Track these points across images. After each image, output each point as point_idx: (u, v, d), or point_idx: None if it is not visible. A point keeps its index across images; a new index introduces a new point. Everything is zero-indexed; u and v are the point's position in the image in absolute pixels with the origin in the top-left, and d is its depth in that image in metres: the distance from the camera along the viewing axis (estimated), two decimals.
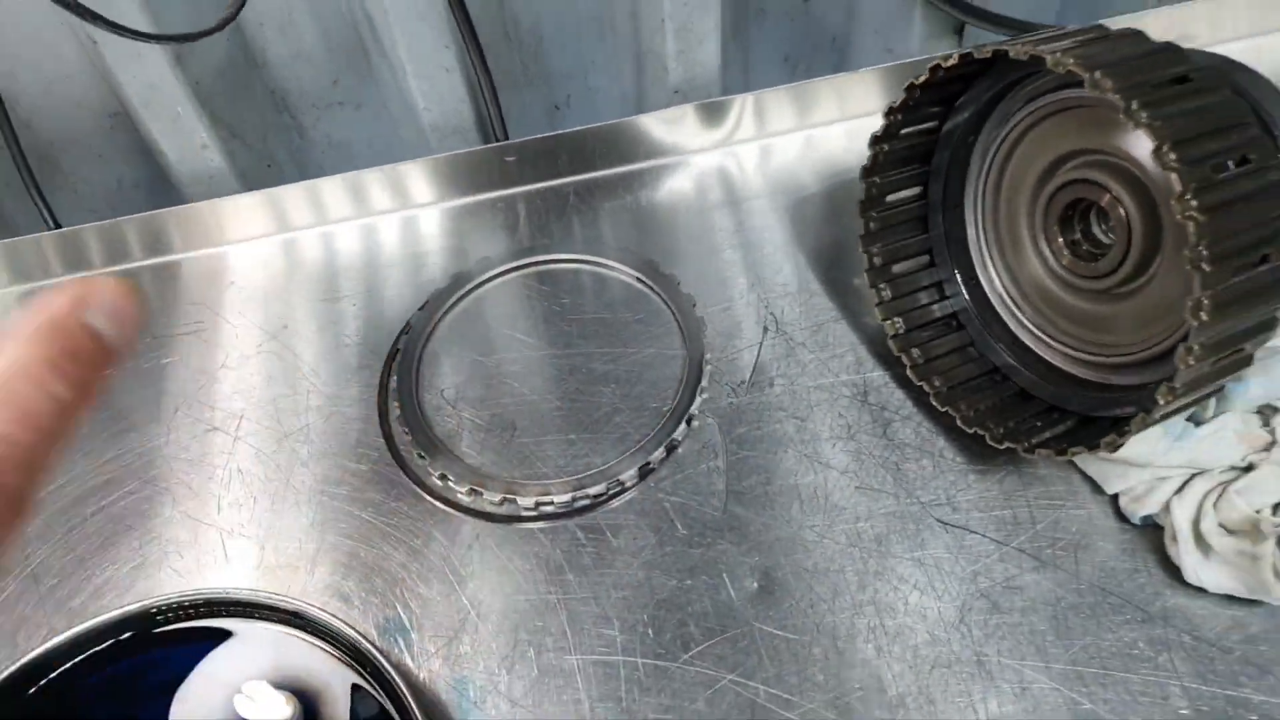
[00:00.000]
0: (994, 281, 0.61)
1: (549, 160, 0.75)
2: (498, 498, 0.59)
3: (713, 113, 0.75)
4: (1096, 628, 0.51)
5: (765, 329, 0.66)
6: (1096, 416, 0.54)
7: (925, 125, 0.59)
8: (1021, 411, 0.58)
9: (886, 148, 0.58)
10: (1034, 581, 0.53)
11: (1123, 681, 0.49)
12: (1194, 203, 0.41)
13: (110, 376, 0.28)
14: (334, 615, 0.50)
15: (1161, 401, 0.45)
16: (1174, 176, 0.41)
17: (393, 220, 0.78)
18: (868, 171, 0.59)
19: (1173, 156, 0.42)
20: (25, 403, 0.25)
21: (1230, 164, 0.43)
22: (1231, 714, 0.48)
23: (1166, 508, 0.53)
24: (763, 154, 0.79)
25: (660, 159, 0.78)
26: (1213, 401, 0.54)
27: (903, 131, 0.58)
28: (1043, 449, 0.52)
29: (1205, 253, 0.42)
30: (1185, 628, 0.51)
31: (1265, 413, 0.54)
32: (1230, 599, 0.51)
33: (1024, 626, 0.52)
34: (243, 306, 0.74)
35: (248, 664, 0.51)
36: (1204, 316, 0.42)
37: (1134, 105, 0.42)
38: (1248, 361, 0.47)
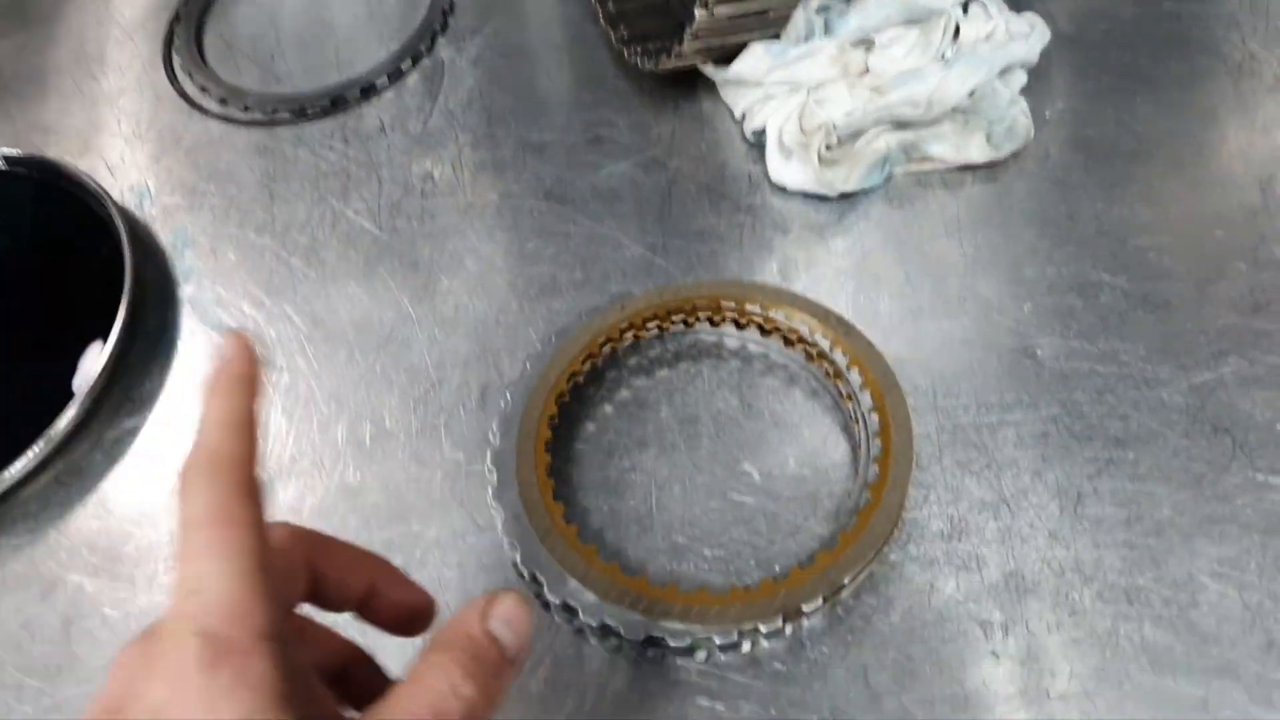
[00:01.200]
0: None
1: None
2: (243, 107, 0.69)
3: None
4: (691, 213, 0.61)
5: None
6: None
7: None
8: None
9: None
10: (654, 178, 0.62)
11: (696, 250, 0.59)
12: None
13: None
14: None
15: None
16: None
17: None
18: None
19: None
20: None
21: None
22: (775, 279, 0.57)
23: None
24: None
25: None
26: (819, 32, 0.61)
27: None
28: (647, 54, 0.60)
29: None
30: (763, 217, 0.60)
31: (868, 45, 0.61)
32: (805, 198, 0.60)
33: (634, 209, 0.61)
34: None
35: None
36: None
37: None
38: None
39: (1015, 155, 0.60)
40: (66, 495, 0.54)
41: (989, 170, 0.60)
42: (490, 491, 0.49)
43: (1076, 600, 0.45)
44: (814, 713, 0.43)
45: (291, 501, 0.53)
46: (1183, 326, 0.53)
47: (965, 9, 0.63)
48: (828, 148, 0.58)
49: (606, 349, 0.53)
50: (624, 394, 0.54)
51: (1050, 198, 0.58)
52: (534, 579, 0.47)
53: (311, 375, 0.57)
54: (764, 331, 0.54)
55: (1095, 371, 0.52)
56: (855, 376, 0.49)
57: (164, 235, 0.64)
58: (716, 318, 0.54)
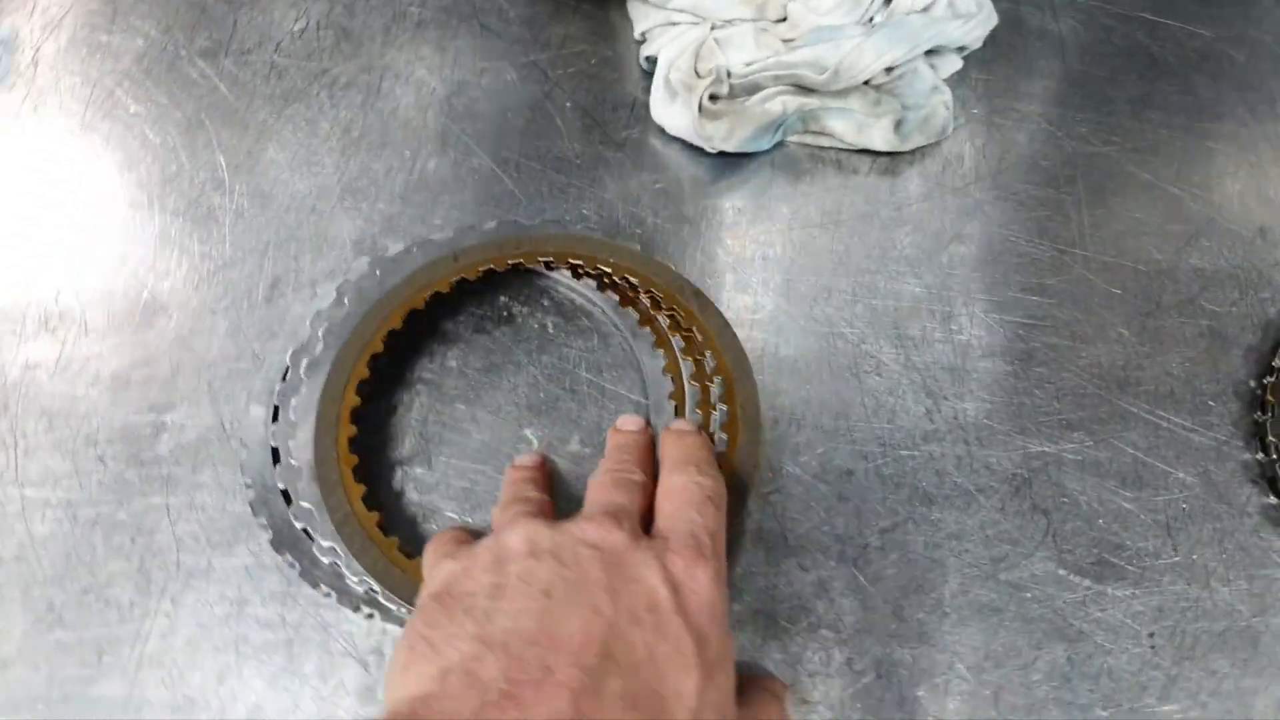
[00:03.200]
0: None
1: None
2: None
3: None
4: (558, 134, 0.52)
5: None
6: None
7: None
8: None
9: None
10: (530, 85, 0.53)
11: (550, 179, 0.50)
12: None
13: None
14: None
15: None
16: None
17: None
18: None
19: None
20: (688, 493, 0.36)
21: None
22: (626, 228, 0.49)
23: None
24: None
25: None
26: None
27: None
28: None
29: None
30: (634, 156, 0.51)
31: None
32: (687, 144, 0.51)
33: (496, 116, 0.52)
34: None
35: None
36: None
37: None
38: None
39: (923, 151, 0.51)
40: None
41: (890, 161, 0.51)
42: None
43: None
44: None
45: (43, 355, 0.45)
46: (1038, 385, 0.45)
47: None
48: (713, 98, 0.49)
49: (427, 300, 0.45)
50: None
51: (946, 210, 0.50)
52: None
53: (99, 218, 0.49)
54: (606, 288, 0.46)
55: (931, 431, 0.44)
56: (710, 361, 0.42)
57: None
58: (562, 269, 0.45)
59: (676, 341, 0.44)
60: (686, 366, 0.44)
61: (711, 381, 0.42)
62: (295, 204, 0.49)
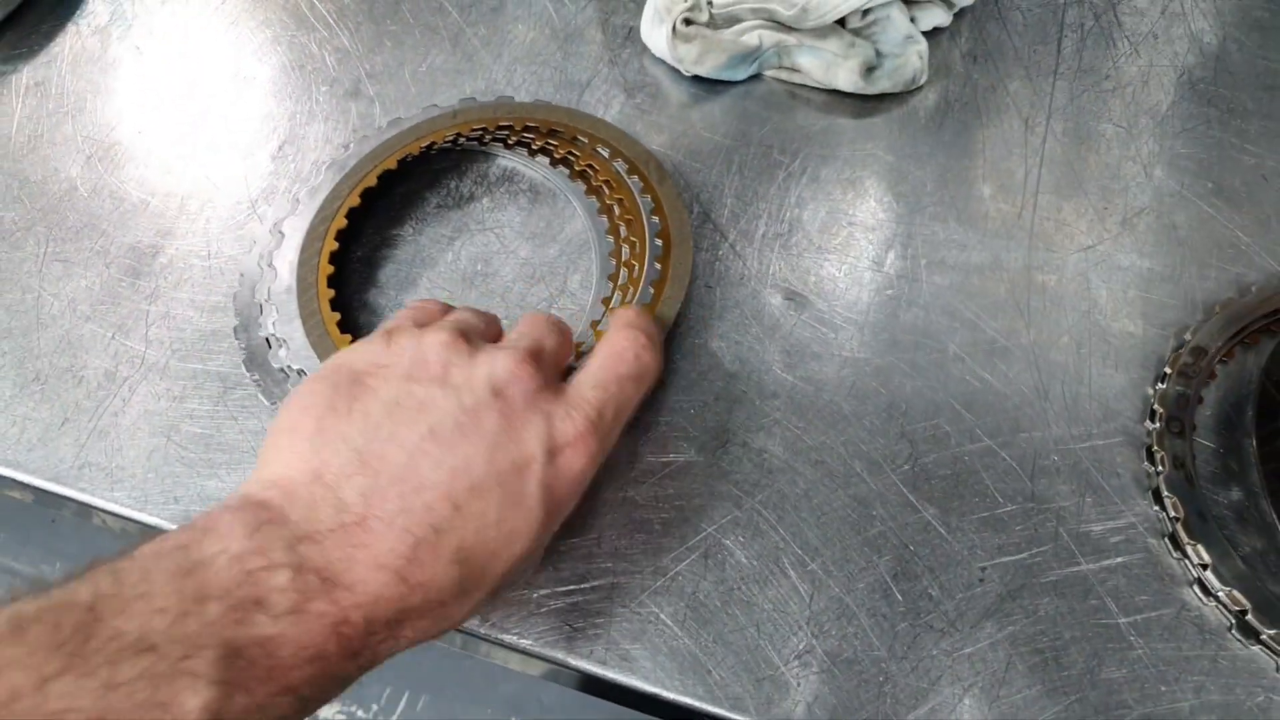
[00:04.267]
0: None
1: None
2: None
3: None
4: (553, 45, 0.56)
5: None
6: None
7: None
8: None
9: None
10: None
11: (538, 78, 0.55)
12: None
13: None
14: None
15: None
16: None
17: None
18: None
19: None
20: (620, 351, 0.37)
21: None
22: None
23: None
24: None
25: None
26: None
27: None
28: None
29: None
30: (620, 68, 0.55)
31: None
32: (671, 66, 0.55)
33: (509, 16, 0.57)
34: None
35: None
36: None
37: None
38: None
39: (898, 100, 0.52)
40: None
41: (860, 105, 0.52)
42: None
43: None
44: None
45: (85, 179, 0.54)
46: (933, 323, 0.46)
47: None
48: (687, 22, 0.52)
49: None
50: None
51: (902, 166, 0.51)
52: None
53: (161, 78, 0.57)
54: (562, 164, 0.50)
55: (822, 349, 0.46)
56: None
57: None
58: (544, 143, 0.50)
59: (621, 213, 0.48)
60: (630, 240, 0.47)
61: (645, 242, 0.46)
62: (315, 81, 0.56)
